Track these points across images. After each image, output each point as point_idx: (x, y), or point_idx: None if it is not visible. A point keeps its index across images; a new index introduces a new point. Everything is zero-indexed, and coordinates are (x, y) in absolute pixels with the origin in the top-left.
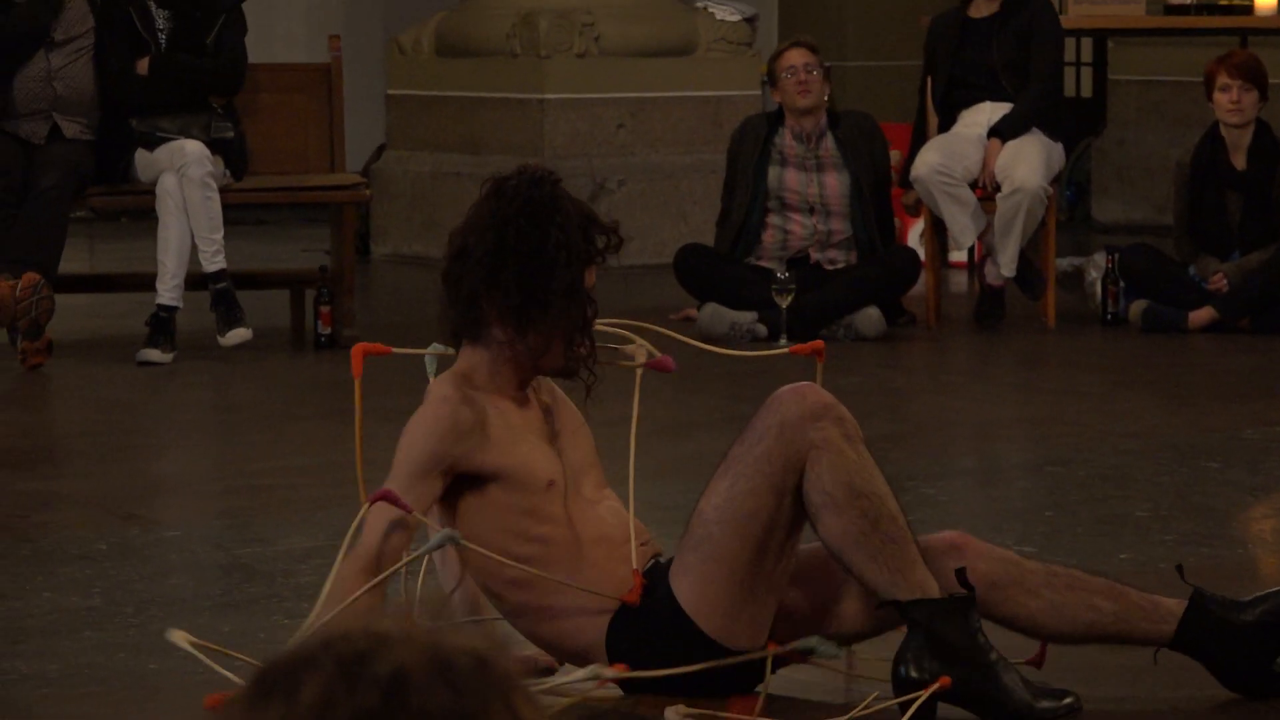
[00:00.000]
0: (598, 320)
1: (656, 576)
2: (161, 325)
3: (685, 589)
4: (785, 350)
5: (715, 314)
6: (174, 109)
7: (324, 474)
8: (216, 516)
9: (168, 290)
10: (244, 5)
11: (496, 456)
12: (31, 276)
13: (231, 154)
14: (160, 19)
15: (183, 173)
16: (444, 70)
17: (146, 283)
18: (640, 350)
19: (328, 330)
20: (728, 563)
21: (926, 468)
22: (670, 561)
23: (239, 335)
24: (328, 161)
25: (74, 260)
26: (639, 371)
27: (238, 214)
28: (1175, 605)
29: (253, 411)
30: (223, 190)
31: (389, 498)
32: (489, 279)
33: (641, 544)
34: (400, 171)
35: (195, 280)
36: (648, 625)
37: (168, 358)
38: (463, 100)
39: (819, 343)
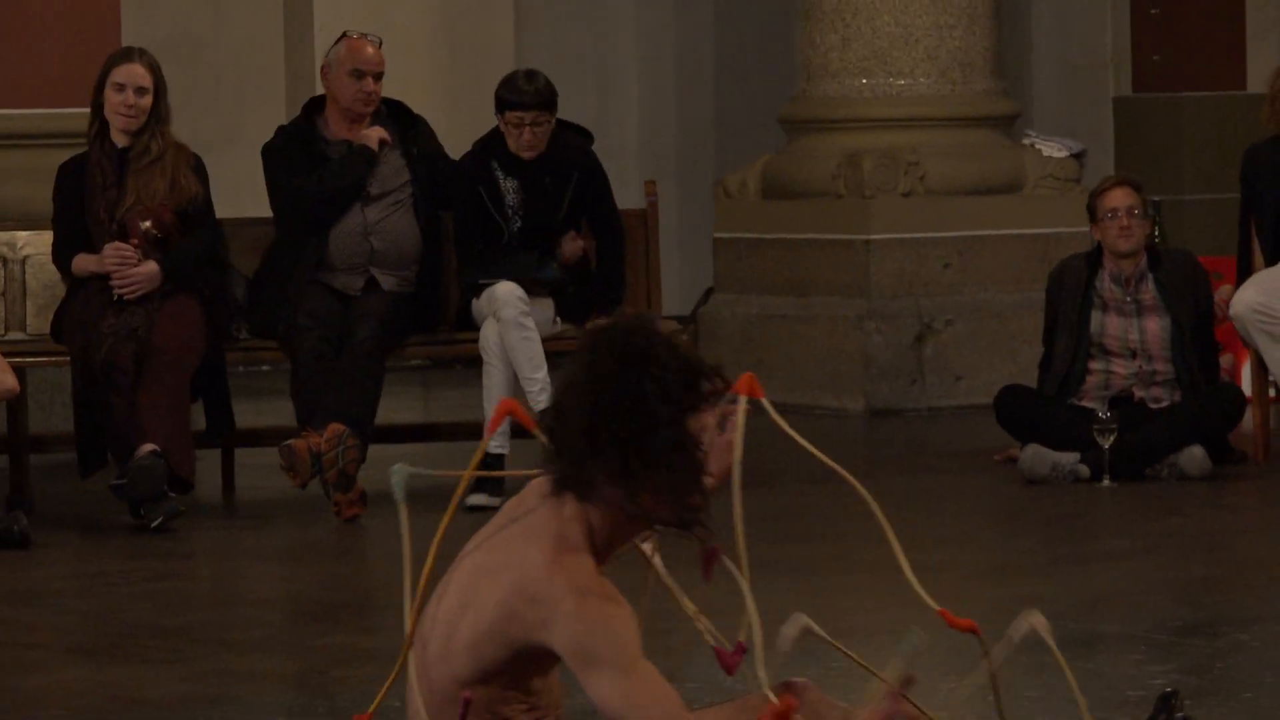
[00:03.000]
0: None
1: None
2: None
3: None
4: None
5: (1037, 455)
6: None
7: None
8: None
9: (494, 436)
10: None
11: None
12: (336, 428)
13: (563, 298)
14: (509, 191)
15: (498, 316)
16: (770, 212)
17: (478, 430)
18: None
19: None
20: None
21: (1241, 612)
22: None
23: None
24: (645, 305)
25: (408, 410)
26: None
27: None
28: None
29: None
30: (546, 338)
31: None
32: (590, 442)
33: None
34: (728, 314)
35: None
36: None
37: (495, 502)
38: (788, 242)
39: (790, 702)
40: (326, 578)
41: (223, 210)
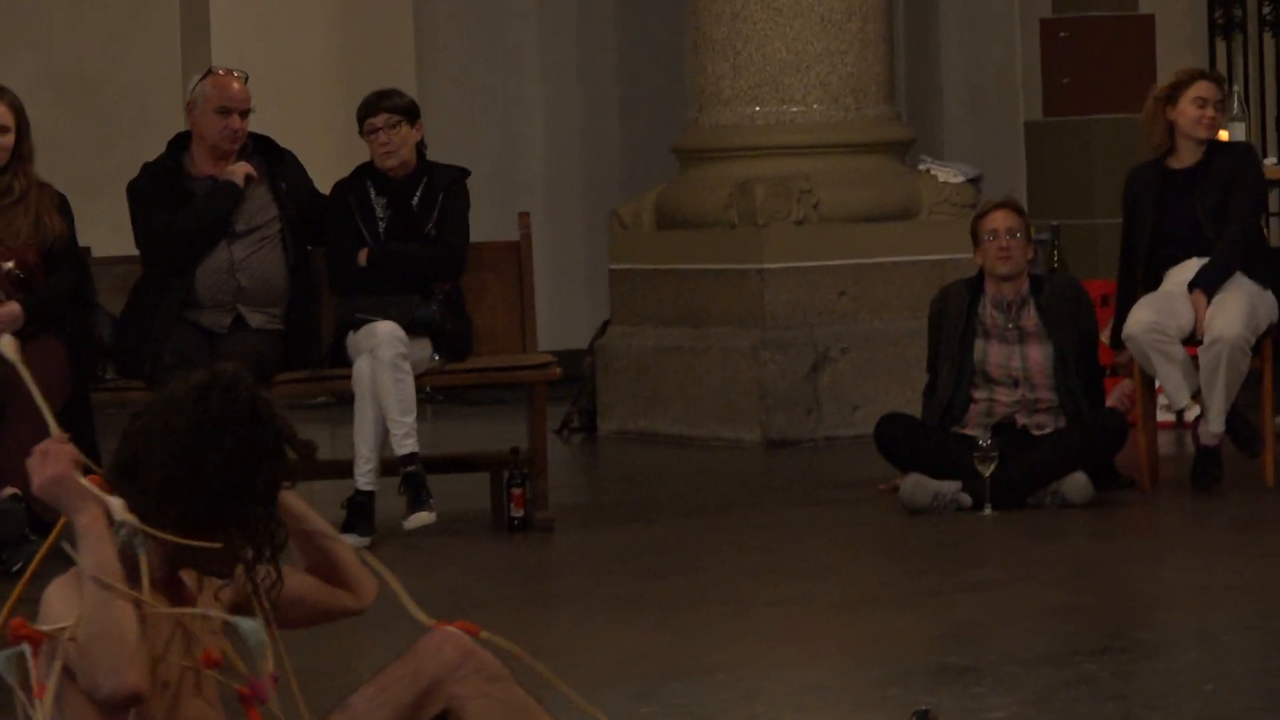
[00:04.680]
0: None
1: None
2: (358, 510)
3: None
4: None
5: (918, 484)
6: (393, 293)
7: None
8: None
9: (362, 475)
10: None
11: None
12: None
13: (442, 336)
14: (379, 207)
15: (375, 354)
16: (664, 243)
17: (346, 469)
18: None
19: (519, 513)
20: None
21: (1095, 642)
22: None
23: (420, 519)
24: (520, 340)
25: None
26: None
27: (442, 397)
28: None
29: (439, 596)
30: (419, 375)
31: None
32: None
33: None
34: (624, 346)
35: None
36: None
37: (364, 541)
38: (682, 273)
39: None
40: None
41: (122, 249)
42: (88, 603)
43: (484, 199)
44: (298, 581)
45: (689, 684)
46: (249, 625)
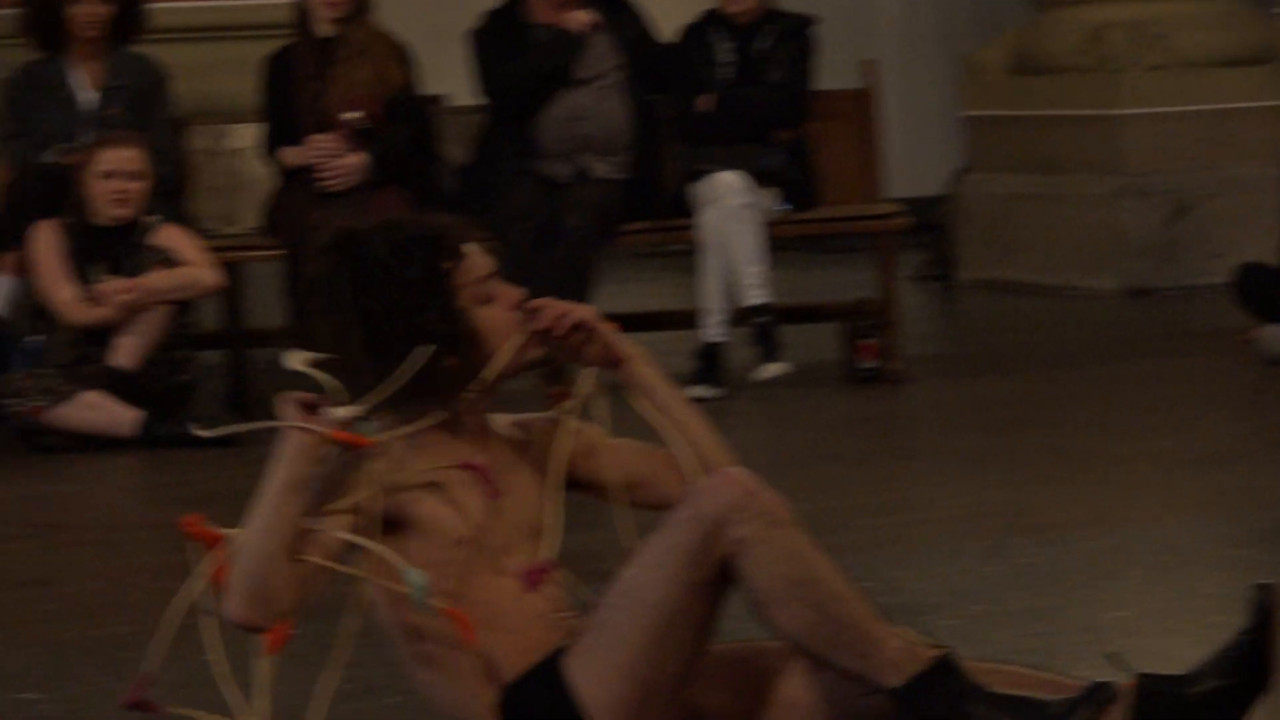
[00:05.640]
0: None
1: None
2: (709, 361)
3: (579, 673)
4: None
5: (1277, 335)
6: (736, 142)
7: (880, 514)
8: None
9: (712, 326)
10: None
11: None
12: None
13: (789, 186)
14: (724, 53)
15: (719, 204)
16: (1018, 89)
17: (695, 320)
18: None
19: (868, 364)
20: (624, 652)
21: None
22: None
23: (772, 370)
24: (869, 188)
25: (625, 299)
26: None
27: (797, 245)
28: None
29: (791, 448)
30: (766, 224)
31: None
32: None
33: (564, 616)
34: (980, 194)
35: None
36: (539, 706)
37: (717, 393)
38: (1038, 119)
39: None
40: None
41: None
42: (248, 522)
43: (834, 46)
44: (635, 458)
45: (1036, 541)
46: (413, 575)
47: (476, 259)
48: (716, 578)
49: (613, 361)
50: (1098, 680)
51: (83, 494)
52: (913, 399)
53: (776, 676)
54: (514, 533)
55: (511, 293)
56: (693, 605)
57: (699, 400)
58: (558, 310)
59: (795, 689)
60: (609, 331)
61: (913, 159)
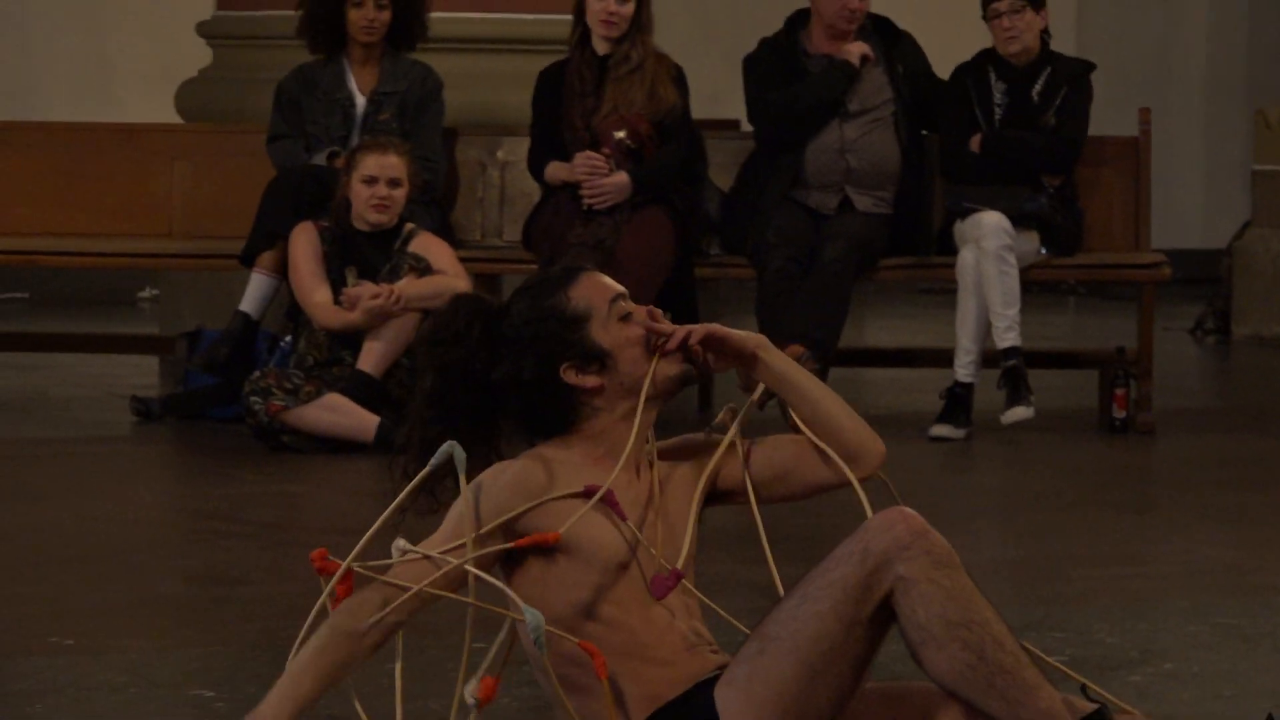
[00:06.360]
0: None
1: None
2: (956, 401)
3: (728, 702)
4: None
5: None
6: (1002, 183)
7: (1096, 564)
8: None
9: (962, 366)
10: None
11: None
12: (795, 349)
13: (1049, 230)
14: (998, 94)
15: (980, 244)
16: None
17: (947, 359)
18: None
19: (1122, 414)
20: (777, 685)
21: None
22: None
23: (1017, 414)
24: (1133, 238)
25: (884, 333)
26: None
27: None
28: None
29: (1029, 494)
30: (1025, 268)
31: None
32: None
33: (712, 650)
34: (1264, 249)
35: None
36: None
37: (960, 434)
38: None
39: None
40: None
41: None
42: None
43: (1133, 92)
44: (778, 451)
45: (1246, 603)
46: (531, 616)
47: (604, 282)
48: (877, 615)
49: (746, 359)
50: None
51: (310, 495)
52: (1161, 451)
53: (928, 719)
54: (666, 561)
55: (643, 313)
56: (851, 641)
57: (942, 439)
58: (684, 329)
59: None
60: (731, 331)
61: (1204, 211)
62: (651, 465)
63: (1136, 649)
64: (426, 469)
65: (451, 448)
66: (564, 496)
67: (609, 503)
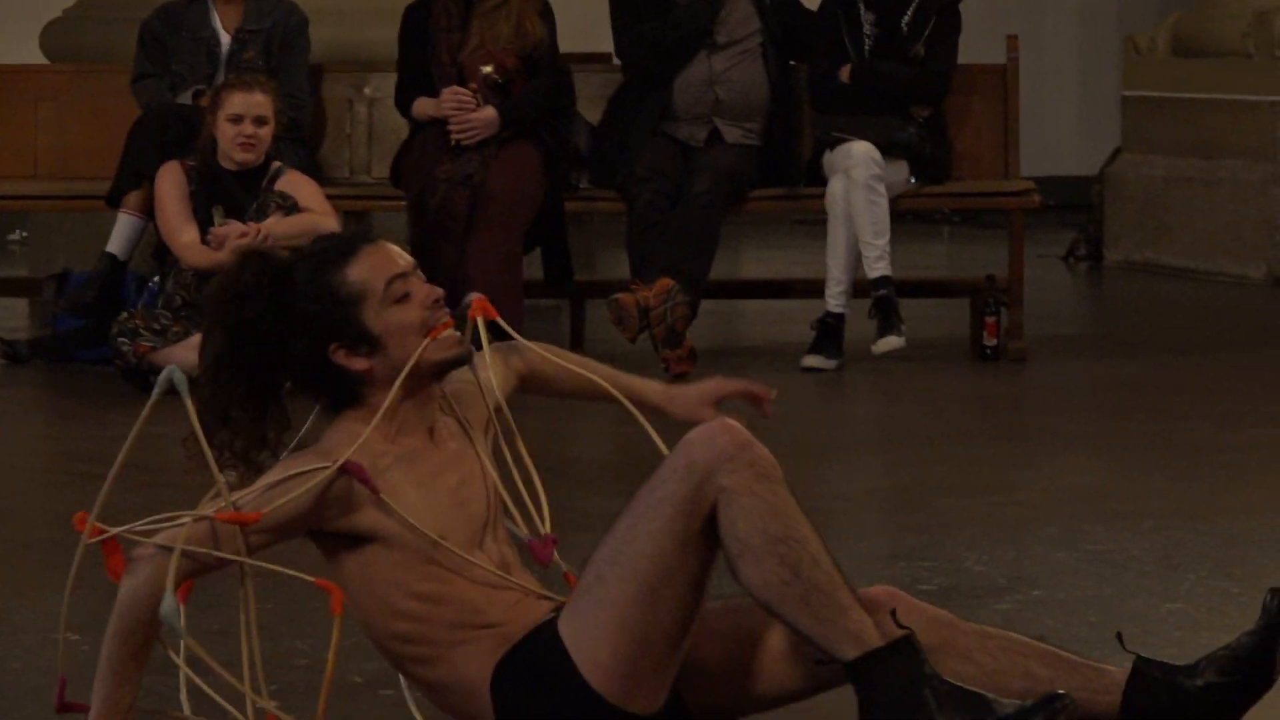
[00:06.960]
0: None
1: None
2: (828, 332)
3: (572, 634)
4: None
5: None
6: (871, 113)
7: (966, 493)
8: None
9: (833, 296)
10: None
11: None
12: (665, 283)
13: (919, 159)
14: (867, 24)
15: (849, 174)
16: (1179, 71)
17: (818, 289)
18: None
19: (993, 342)
20: (620, 609)
21: None
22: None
23: (889, 344)
24: (1002, 166)
25: (753, 265)
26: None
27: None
28: (1119, 674)
29: (902, 423)
30: (894, 198)
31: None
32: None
33: (543, 597)
34: (1134, 175)
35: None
36: (534, 670)
37: (832, 364)
38: (1196, 102)
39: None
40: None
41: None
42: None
43: (1004, 19)
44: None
45: (1112, 529)
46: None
47: (385, 259)
48: (709, 528)
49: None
50: (1058, 691)
51: (178, 437)
52: (1032, 378)
53: (768, 629)
54: (476, 524)
55: (427, 291)
56: (687, 557)
57: (814, 370)
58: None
59: (784, 641)
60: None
61: (1078, 138)
62: (466, 429)
63: (1005, 576)
64: (153, 397)
65: (171, 372)
66: (314, 469)
67: (357, 476)
